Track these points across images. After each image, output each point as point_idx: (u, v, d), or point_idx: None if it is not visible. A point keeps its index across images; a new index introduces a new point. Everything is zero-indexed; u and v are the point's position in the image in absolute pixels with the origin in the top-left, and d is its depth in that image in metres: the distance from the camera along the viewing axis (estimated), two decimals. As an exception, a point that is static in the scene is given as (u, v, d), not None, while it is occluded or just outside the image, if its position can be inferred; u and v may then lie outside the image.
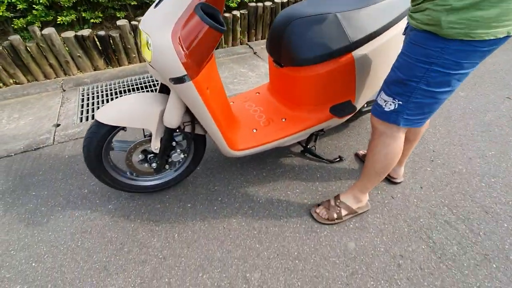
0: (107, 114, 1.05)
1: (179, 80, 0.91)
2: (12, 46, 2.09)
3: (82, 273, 1.11)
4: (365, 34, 1.20)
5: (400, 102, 0.92)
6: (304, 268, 1.13)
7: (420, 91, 0.87)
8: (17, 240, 1.22)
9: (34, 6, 2.25)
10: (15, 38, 2.07)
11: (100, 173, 1.21)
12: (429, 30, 0.77)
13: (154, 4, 0.93)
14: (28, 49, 2.15)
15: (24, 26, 2.33)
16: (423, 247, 1.20)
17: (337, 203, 1.28)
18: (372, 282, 1.09)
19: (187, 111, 1.11)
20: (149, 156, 1.25)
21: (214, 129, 1.10)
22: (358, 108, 1.42)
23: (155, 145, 1.16)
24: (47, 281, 1.09)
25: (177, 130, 1.19)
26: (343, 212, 1.27)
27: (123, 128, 1.14)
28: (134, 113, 1.06)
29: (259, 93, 1.55)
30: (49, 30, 2.14)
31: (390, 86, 0.93)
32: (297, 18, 1.15)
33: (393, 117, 0.95)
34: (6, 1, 2.15)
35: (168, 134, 1.13)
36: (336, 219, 1.26)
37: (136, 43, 2.45)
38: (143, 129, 1.27)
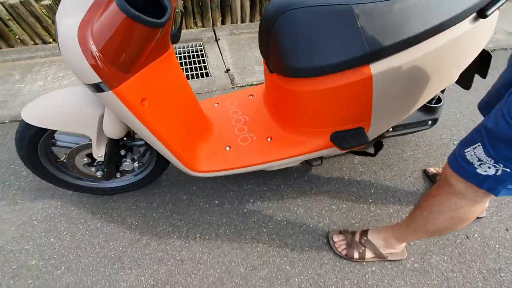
0: (33, 112, 0.86)
1: (95, 88, 0.69)
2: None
3: (96, 260, 1.04)
4: (394, 40, 0.77)
5: (508, 170, 0.59)
6: (341, 308, 0.93)
7: None
8: (41, 210, 1.18)
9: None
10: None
11: (38, 171, 1.04)
12: None
13: None
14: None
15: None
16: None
17: (362, 241, 1.02)
18: None
19: None
20: (96, 161, 1.04)
21: (160, 148, 0.88)
22: (370, 139, 1.03)
23: (97, 153, 0.96)
24: (62, 261, 1.04)
25: (125, 138, 1.00)
26: (368, 254, 1.01)
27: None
28: (66, 115, 0.85)
29: (252, 95, 1.25)
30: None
31: (497, 144, 0.59)
32: (291, 8, 0.79)
33: (489, 183, 0.63)
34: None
35: (112, 143, 0.95)
36: (357, 259, 1.01)
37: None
38: None
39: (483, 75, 1.02)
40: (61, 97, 0.87)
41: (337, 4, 0.76)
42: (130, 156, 1.06)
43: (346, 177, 1.30)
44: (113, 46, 0.64)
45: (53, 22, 2.14)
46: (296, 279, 0.99)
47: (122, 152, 1.04)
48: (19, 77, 1.95)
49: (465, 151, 0.65)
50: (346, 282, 0.98)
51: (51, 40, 2.24)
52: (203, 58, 2.14)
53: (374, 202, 1.21)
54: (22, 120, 0.88)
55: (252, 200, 1.22)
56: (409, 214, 0.90)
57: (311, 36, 0.79)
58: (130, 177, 1.20)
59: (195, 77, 1.97)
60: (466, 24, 0.81)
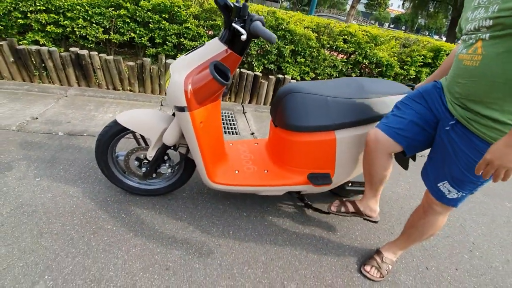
0: (124, 118, 1.33)
1: (180, 109, 1.16)
2: (142, 65, 2.80)
3: (156, 234, 1.37)
4: (349, 120, 1.34)
5: (464, 194, 1.05)
6: (335, 296, 1.25)
7: (482, 185, 1.04)
8: (114, 195, 1.55)
9: (167, 42, 3.04)
10: (147, 60, 2.78)
11: (101, 162, 1.44)
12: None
13: (186, 53, 1.21)
14: (151, 69, 2.85)
15: (154, 54, 3.11)
16: (452, 319, 1.25)
17: (384, 259, 1.39)
18: (397, 330, 1.16)
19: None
20: (143, 161, 1.45)
21: (198, 156, 1.29)
22: (335, 183, 1.50)
23: (150, 153, 1.38)
24: (130, 230, 1.37)
25: (172, 148, 1.40)
26: (390, 267, 1.39)
27: (133, 133, 1.41)
28: (144, 123, 1.33)
29: (257, 143, 1.74)
30: (171, 60, 2.84)
31: (458, 182, 1.02)
32: (295, 92, 1.35)
33: (454, 202, 1.10)
34: (149, 35, 2.95)
35: (163, 148, 1.36)
36: (387, 274, 1.38)
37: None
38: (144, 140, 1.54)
39: (413, 159, 1.45)
40: (145, 113, 1.37)
41: (319, 95, 1.35)
42: (169, 162, 1.47)
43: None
44: (199, 90, 1.16)
45: (129, 77, 2.87)
46: (303, 271, 1.33)
47: (165, 157, 1.44)
48: (93, 107, 2.52)
49: (438, 185, 1.11)
50: (339, 280, 1.33)
51: (120, 88, 2.93)
52: (233, 122, 2.80)
53: (360, 232, 1.63)
54: (115, 120, 1.35)
55: (270, 218, 1.63)
56: (405, 232, 1.33)
57: (302, 108, 1.34)
58: (159, 183, 1.58)
59: (227, 133, 2.57)
60: None
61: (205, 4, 3.00)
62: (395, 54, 3.79)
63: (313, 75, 3.57)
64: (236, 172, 1.48)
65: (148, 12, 2.81)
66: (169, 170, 1.47)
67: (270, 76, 3.24)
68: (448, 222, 1.83)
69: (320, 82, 1.48)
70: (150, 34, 2.96)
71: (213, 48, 1.17)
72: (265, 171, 1.51)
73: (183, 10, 2.87)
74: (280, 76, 3.26)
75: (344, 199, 1.50)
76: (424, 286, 1.39)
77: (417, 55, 3.88)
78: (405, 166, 1.53)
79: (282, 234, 1.53)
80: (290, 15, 3.25)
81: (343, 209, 1.45)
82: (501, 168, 0.80)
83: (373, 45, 3.62)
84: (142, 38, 2.94)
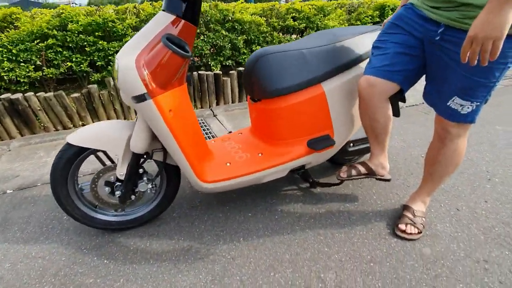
0: (77, 136, 1.09)
1: (139, 99, 0.95)
2: (89, 94, 2.48)
3: (153, 270, 1.10)
4: (332, 67, 1.22)
5: (478, 103, 0.96)
6: (381, 270, 1.07)
7: (493, 89, 0.94)
8: (89, 241, 1.26)
9: (110, 63, 2.74)
10: (93, 86, 2.47)
11: (63, 201, 1.15)
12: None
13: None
14: (101, 96, 2.54)
15: (99, 79, 2.79)
16: (507, 252, 1.12)
17: (415, 213, 1.24)
18: (461, 285, 1.00)
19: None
20: (115, 185, 1.18)
21: (178, 154, 1.08)
22: (338, 143, 1.34)
23: (120, 171, 1.13)
24: (119, 275, 1.09)
25: (145, 157, 1.16)
26: (424, 219, 1.25)
27: (93, 152, 1.15)
28: (102, 136, 1.09)
29: (241, 133, 1.54)
30: (121, 81, 2.55)
31: (468, 91, 0.93)
32: (266, 54, 1.19)
33: (470, 117, 0.99)
34: (88, 60, 2.64)
35: (134, 160, 1.11)
36: (423, 228, 1.23)
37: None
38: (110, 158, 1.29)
39: (403, 100, 1.35)
40: (100, 126, 1.12)
41: (292, 50, 1.20)
42: (146, 176, 1.21)
43: (353, 181, 1.58)
44: (157, 69, 0.95)
45: (77, 111, 2.53)
46: (336, 256, 1.14)
47: (141, 171, 1.18)
48: (44, 154, 2.17)
49: (448, 104, 0.99)
50: (378, 252, 1.15)
51: (71, 125, 2.58)
52: (207, 128, 2.57)
53: (377, 194, 1.47)
54: (66, 142, 1.09)
55: (280, 210, 1.42)
56: (428, 174, 1.20)
57: (278, 68, 1.19)
58: (141, 208, 1.30)
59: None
60: None
61: (141, 14, 2.76)
62: (344, 22, 3.79)
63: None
64: (228, 164, 1.26)
65: (80, 35, 2.51)
66: (149, 186, 1.21)
67: (230, 72, 3.06)
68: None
69: (288, 43, 1.32)
70: (89, 59, 2.65)
71: (160, 21, 0.96)
72: (260, 154, 1.31)
73: (119, 24, 2.60)
74: (241, 68, 3.08)
75: (351, 164, 1.34)
76: (464, 228, 1.25)
77: (364, 17, 3.92)
78: (396, 112, 1.40)
79: (298, 223, 1.32)
80: (233, 5, 3.10)
81: (354, 172, 1.30)
82: (486, 40, 0.74)
83: (322, 16, 3.58)
84: (81, 65, 2.63)
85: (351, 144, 1.53)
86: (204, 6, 2.93)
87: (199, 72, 2.97)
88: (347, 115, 1.32)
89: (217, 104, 3.15)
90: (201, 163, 1.20)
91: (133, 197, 1.22)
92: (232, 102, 3.20)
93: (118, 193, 1.17)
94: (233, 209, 1.43)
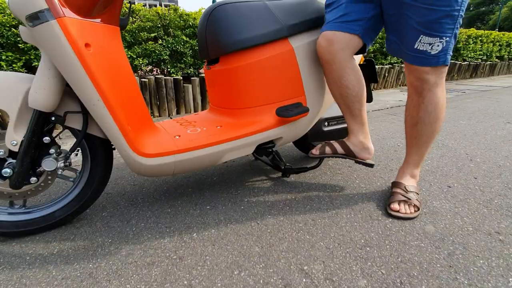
0: None
1: (37, 18, 0.67)
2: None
3: (54, 284, 0.72)
4: (300, 20, 1.04)
5: (448, 38, 0.85)
6: (381, 255, 0.80)
7: (459, 20, 0.85)
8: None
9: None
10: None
11: None
12: None
13: None
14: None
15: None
16: (519, 222, 0.93)
17: (407, 188, 1.04)
18: (481, 261, 0.77)
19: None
20: (5, 161, 0.82)
21: (101, 111, 0.77)
22: (312, 112, 1.11)
23: (12, 137, 0.78)
24: (-7, 298, 0.68)
25: (53, 119, 0.82)
26: (418, 195, 1.05)
27: None
28: None
29: (197, 114, 1.29)
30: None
31: (433, 25, 0.83)
32: (222, 4, 1.01)
33: (443, 57, 0.88)
34: (23, 59, 2.27)
35: (36, 122, 0.78)
36: (420, 205, 1.02)
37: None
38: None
39: (375, 80, 1.28)
40: None
41: (255, 1, 1.02)
42: (54, 148, 0.84)
43: (331, 164, 1.35)
44: None
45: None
46: (322, 243, 0.85)
47: (47, 140, 0.82)
48: None
49: (415, 47, 0.87)
50: (372, 234, 0.89)
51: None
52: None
53: (359, 177, 1.26)
54: None
55: (246, 200, 1.12)
56: (410, 136, 1.04)
57: (237, 18, 1.00)
58: (52, 203, 0.92)
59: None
60: None
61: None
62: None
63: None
64: (177, 137, 0.97)
65: (13, 29, 2.16)
66: (60, 165, 0.83)
67: (192, 78, 2.85)
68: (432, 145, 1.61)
69: None
70: (24, 58, 2.27)
71: None
72: (218, 127, 1.05)
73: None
74: (203, 74, 2.89)
75: (326, 142, 1.14)
76: (463, 202, 1.06)
77: None
78: (369, 97, 1.27)
79: (270, 211, 1.03)
80: (194, 11, 3.00)
81: (328, 150, 1.13)
82: None
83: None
84: (14, 65, 2.23)
85: (326, 123, 1.32)
86: (162, 9, 2.78)
87: (156, 76, 2.72)
88: (320, 81, 1.11)
89: (178, 112, 2.88)
90: (139, 133, 0.90)
91: (33, 179, 0.85)
92: (195, 111, 2.95)
93: (7, 171, 0.80)
94: (186, 203, 1.11)
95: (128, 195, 1.17)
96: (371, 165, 1.12)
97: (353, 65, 1.00)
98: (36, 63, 2.32)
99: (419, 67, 0.91)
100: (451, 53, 0.89)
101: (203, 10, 1.02)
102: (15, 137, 0.79)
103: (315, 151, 1.14)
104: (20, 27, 0.77)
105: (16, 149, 0.80)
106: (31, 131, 0.79)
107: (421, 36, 0.86)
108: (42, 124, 0.81)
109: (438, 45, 0.86)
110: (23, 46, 2.23)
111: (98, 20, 0.81)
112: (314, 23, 1.08)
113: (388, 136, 1.91)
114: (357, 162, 1.13)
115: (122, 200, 1.13)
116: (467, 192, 1.14)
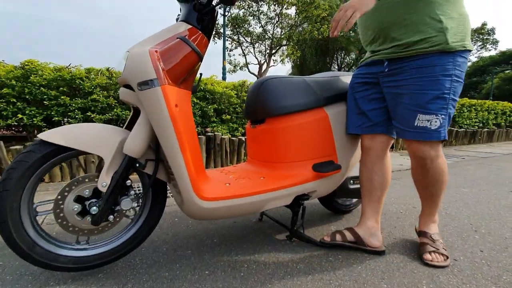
0: (55, 135, 0.87)
1: (147, 84, 0.86)
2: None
3: None
4: (333, 93, 1.27)
5: (443, 116, 0.99)
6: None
7: (451, 102, 1.00)
8: None
9: (69, 119, 2.57)
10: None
11: (11, 225, 0.83)
12: (436, 51, 0.97)
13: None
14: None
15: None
16: (532, 305, 0.88)
17: (433, 237, 1.17)
18: None
19: (153, 148, 1.00)
20: (89, 201, 0.93)
21: (178, 160, 0.92)
22: (343, 170, 1.28)
23: (103, 180, 0.90)
24: None
25: (137, 165, 0.96)
26: (442, 242, 1.19)
27: (65, 159, 0.90)
28: (88, 136, 0.89)
29: (236, 166, 1.43)
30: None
31: (428, 105, 0.99)
32: (271, 78, 1.24)
33: (441, 132, 1.00)
34: (44, 114, 2.46)
35: (126, 167, 0.92)
36: (446, 252, 1.15)
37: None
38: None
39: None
40: (86, 126, 0.92)
41: (296, 77, 1.26)
42: (132, 192, 1.00)
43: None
44: (171, 61, 0.92)
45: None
46: None
47: (128, 183, 0.98)
48: None
49: (415, 124, 1.01)
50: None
51: None
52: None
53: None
54: (39, 139, 0.85)
55: (246, 266, 1.10)
56: (424, 195, 1.19)
57: (282, 90, 1.22)
58: (108, 241, 1.03)
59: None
60: None
61: (113, 77, 2.80)
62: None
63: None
64: (227, 185, 1.10)
65: (42, 88, 2.40)
66: (134, 205, 0.98)
67: (199, 136, 3.00)
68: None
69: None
70: (46, 113, 2.47)
71: (176, 28, 0.97)
72: (261, 178, 1.18)
73: (87, 82, 2.57)
74: (210, 134, 3.05)
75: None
76: (470, 278, 1.02)
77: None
78: None
79: (271, 280, 1.00)
80: (205, 78, 3.32)
81: (338, 238, 1.21)
82: (350, 8, 0.91)
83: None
84: (34, 119, 2.42)
85: (351, 181, 1.44)
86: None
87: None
88: (348, 143, 1.30)
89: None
90: (199, 177, 1.01)
91: (111, 217, 0.96)
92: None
93: (94, 209, 0.91)
94: (185, 266, 1.08)
95: (126, 256, 1.15)
96: (381, 252, 1.17)
97: (387, 156, 1.21)
98: (57, 118, 2.50)
99: (420, 144, 1.03)
100: (446, 128, 1.02)
101: (254, 82, 1.32)
102: (105, 180, 0.90)
103: (326, 238, 1.22)
104: (122, 88, 0.96)
105: (104, 190, 0.91)
106: (119, 174, 0.92)
107: (418, 115, 1.01)
108: (128, 169, 0.93)
109: (436, 121, 0.99)
110: (47, 103, 2.44)
111: (182, 86, 0.99)
112: (344, 96, 1.31)
113: (389, 202, 1.92)
114: (367, 251, 1.18)
115: (120, 260, 1.12)
116: (474, 266, 1.11)
